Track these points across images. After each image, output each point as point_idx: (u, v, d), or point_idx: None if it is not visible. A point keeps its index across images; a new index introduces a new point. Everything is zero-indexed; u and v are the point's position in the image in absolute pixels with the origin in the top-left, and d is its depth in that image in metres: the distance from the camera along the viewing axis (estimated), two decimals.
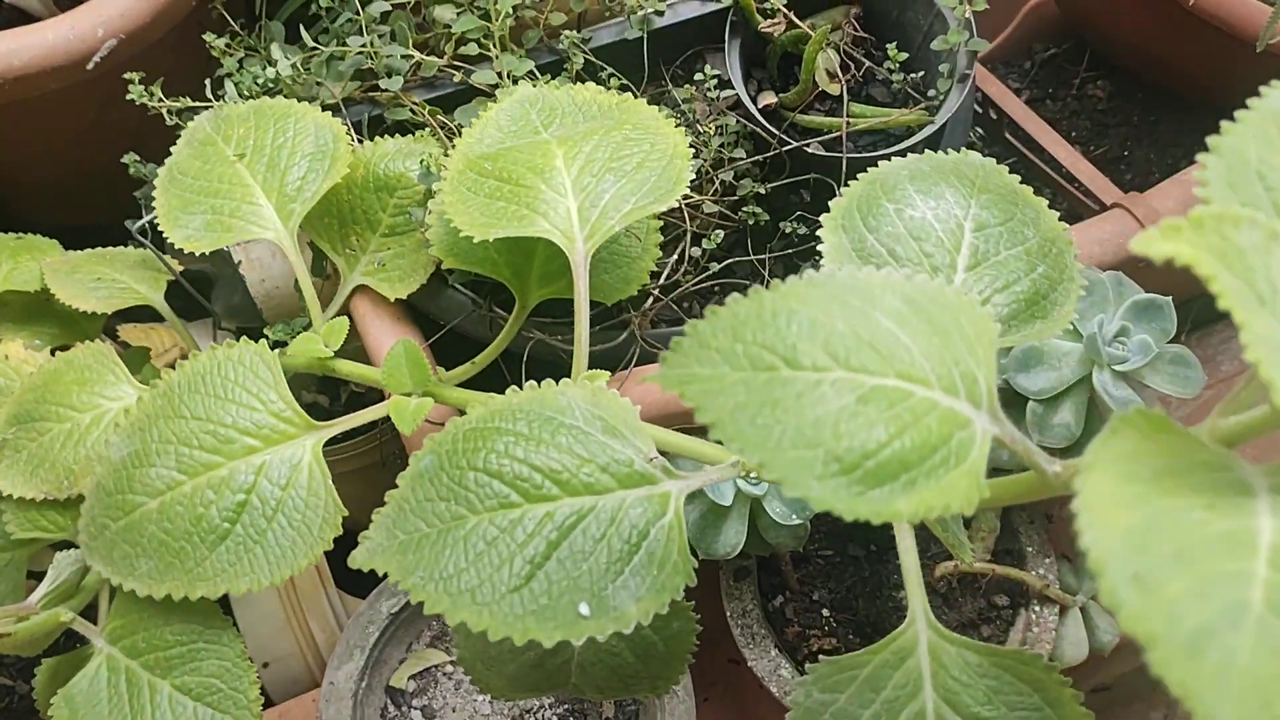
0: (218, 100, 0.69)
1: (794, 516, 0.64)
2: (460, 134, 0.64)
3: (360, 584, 0.83)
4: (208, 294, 0.85)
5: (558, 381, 0.47)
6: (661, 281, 0.67)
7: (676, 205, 0.68)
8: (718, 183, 0.70)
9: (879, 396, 0.32)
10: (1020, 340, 0.43)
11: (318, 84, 0.72)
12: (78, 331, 0.75)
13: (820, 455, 0.31)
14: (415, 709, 0.72)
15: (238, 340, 0.58)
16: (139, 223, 0.82)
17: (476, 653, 0.57)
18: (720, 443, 0.32)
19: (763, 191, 0.70)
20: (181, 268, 0.80)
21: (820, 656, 0.75)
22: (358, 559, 0.45)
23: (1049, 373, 0.59)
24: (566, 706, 0.72)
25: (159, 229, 0.82)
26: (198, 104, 0.70)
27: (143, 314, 0.81)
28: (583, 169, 0.58)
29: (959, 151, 0.50)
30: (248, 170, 0.65)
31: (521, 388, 0.48)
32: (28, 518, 0.63)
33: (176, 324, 0.73)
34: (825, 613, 0.76)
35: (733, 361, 0.34)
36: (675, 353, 0.34)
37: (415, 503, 0.45)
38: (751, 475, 0.62)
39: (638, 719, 0.72)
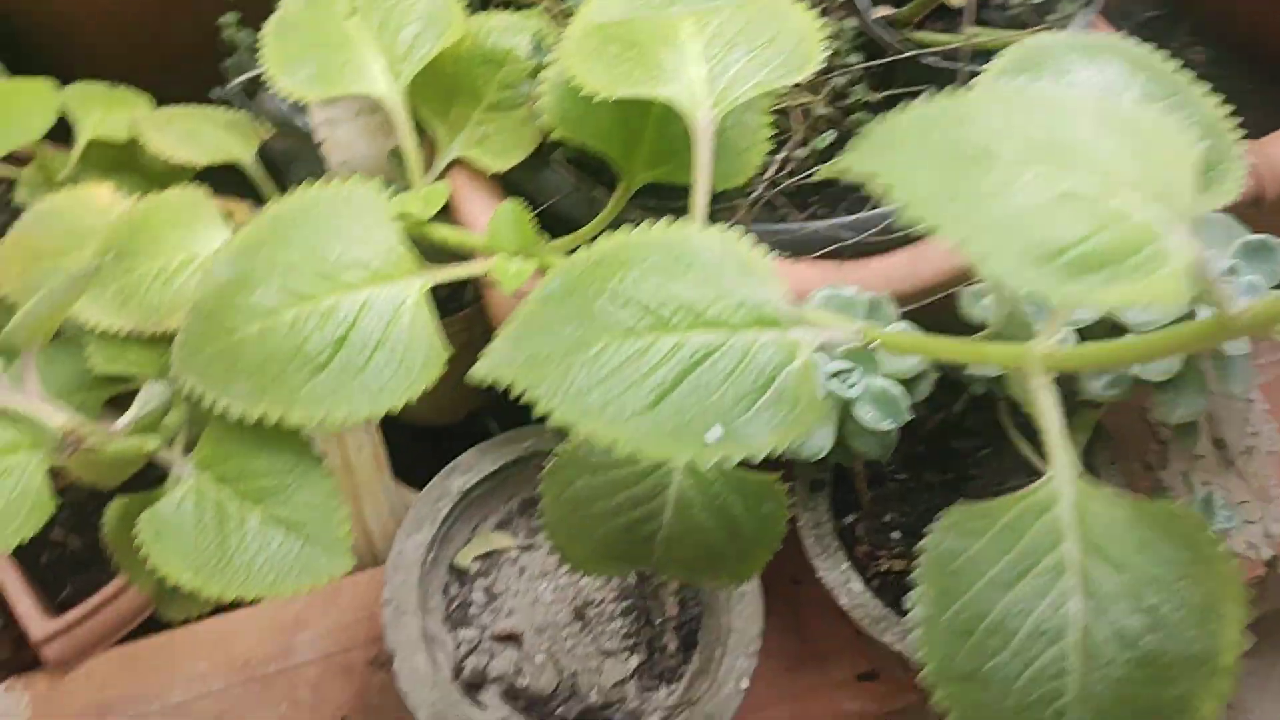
0: None
1: (886, 421, 0.63)
2: (569, 16, 0.64)
3: (414, 479, 0.83)
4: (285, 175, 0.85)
5: None
6: (767, 178, 0.66)
7: (787, 105, 0.68)
8: (830, 87, 0.69)
9: (1077, 197, 0.31)
10: None
11: None
12: (162, 186, 0.75)
13: (1020, 242, 0.31)
14: (477, 589, 0.71)
15: None
16: (230, 85, 0.81)
17: (564, 517, 0.57)
18: (919, 221, 0.31)
19: (874, 100, 0.69)
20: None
21: (889, 576, 0.75)
22: (479, 371, 0.44)
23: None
24: (630, 602, 0.72)
25: (249, 95, 0.82)
26: None
27: (223, 187, 0.80)
28: (711, 39, 0.57)
29: None
30: (359, 28, 0.64)
31: None
32: (111, 353, 0.62)
33: (265, 185, 0.72)
34: (895, 535, 0.75)
35: (926, 153, 0.33)
36: (865, 141, 0.34)
37: (542, 323, 0.45)
38: (843, 374, 0.61)
39: (700, 621, 0.71)
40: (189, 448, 0.57)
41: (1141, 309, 0.31)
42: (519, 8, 0.69)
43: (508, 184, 0.68)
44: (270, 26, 0.65)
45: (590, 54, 0.57)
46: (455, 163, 0.68)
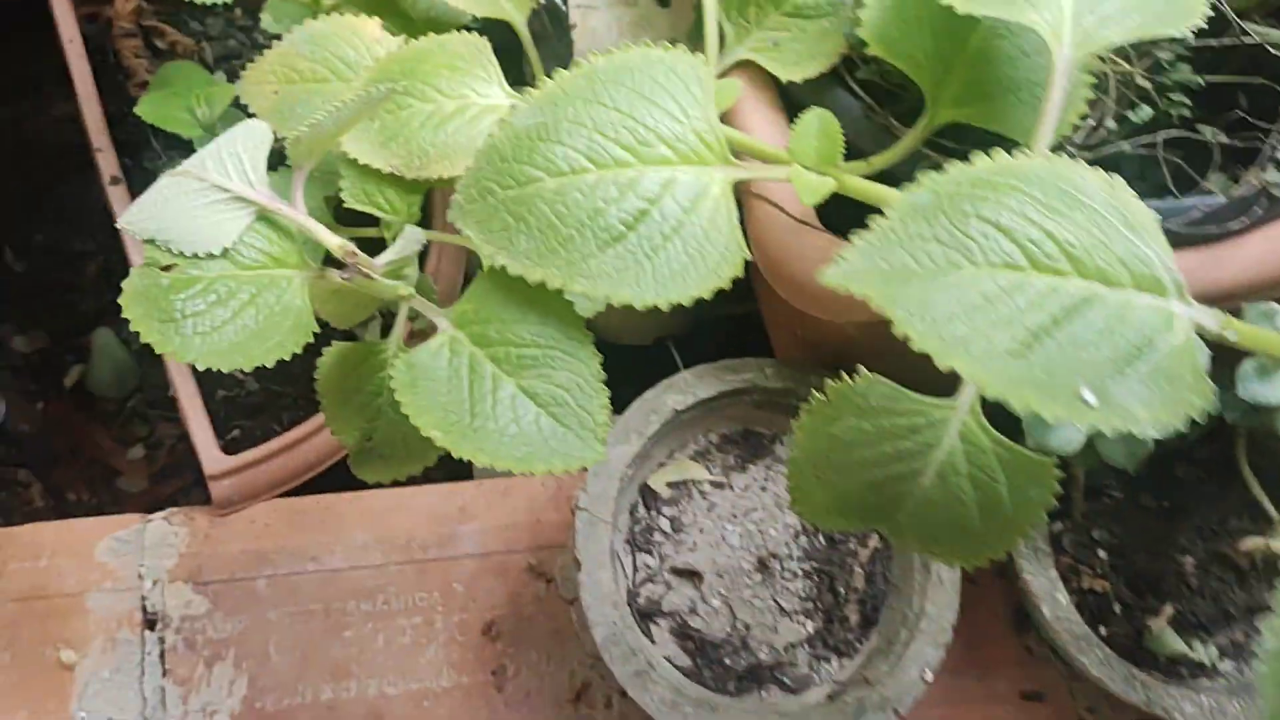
0: None
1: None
2: None
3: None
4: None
5: None
6: (1076, 143, 0.61)
7: (1104, 68, 0.62)
8: (1153, 59, 0.63)
9: None
10: None
11: None
12: (416, 36, 0.71)
13: None
14: (664, 515, 0.67)
15: None
16: None
17: (814, 457, 0.52)
18: None
19: (1194, 84, 0.63)
20: None
21: (1088, 595, 0.70)
22: (830, 275, 0.40)
23: None
24: (815, 564, 0.67)
25: None
26: None
27: None
28: None
29: None
30: None
31: None
32: (365, 190, 0.59)
33: (532, 53, 0.68)
34: (1102, 554, 0.70)
35: None
36: None
37: (905, 237, 0.40)
38: None
39: (885, 599, 0.67)
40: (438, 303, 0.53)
41: None
42: None
43: (791, 98, 0.64)
44: None
45: None
46: (740, 65, 0.64)
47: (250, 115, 0.64)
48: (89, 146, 0.76)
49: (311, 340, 0.48)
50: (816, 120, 0.55)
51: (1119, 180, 0.42)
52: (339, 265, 0.51)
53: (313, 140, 0.51)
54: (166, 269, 0.47)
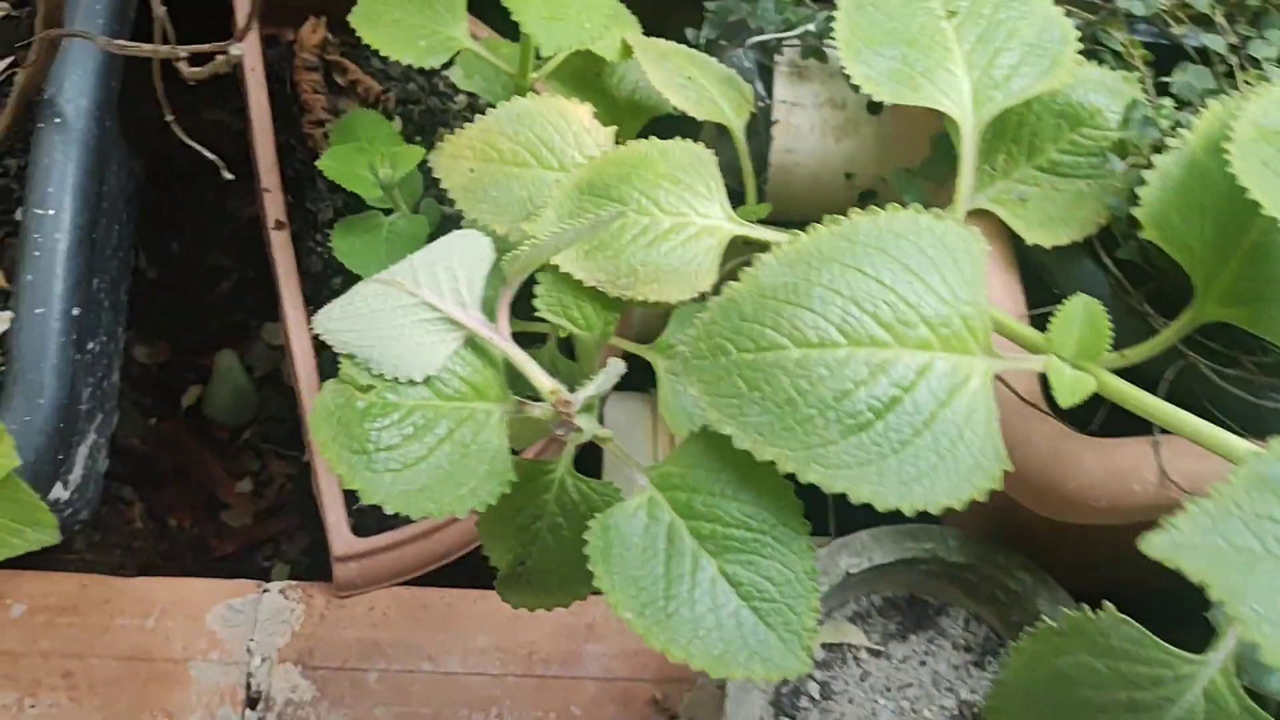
0: None
1: None
2: (1162, 95, 0.53)
3: None
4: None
5: None
6: None
7: None
8: None
9: None
10: None
11: None
12: (618, 121, 0.66)
13: None
14: (815, 680, 0.62)
15: None
16: (700, 35, 0.73)
17: (1031, 686, 0.47)
18: None
19: None
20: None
21: None
22: (1157, 547, 0.34)
23: None
24: None
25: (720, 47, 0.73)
26: None
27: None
28: None
29: None
30: (954, 33, 0.54)
31: None
32: (560, 300, 0.54)
33: (746, 163, 0.64)
34: None
35: None
36: None
37: (1250, 515, 0.35)
38: None
39: None
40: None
41: None
42: (1115, 66, 0.59)
43: (1030, 262, 0.58)
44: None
45: (1264, 165, 0.46)
46: (975, 213, 0.58)
47: (440, 188, 0.60)
48: (253, 173, 0.73)
49: (508, 490, 0.43)
50: (1083, 308, 0.49)
51: None
52: (535, 398, 0.46)
53: (532, 258, 0.46)
54: (365, 389, 0.42)
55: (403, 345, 0.43)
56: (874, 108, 0.75)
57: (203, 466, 0.87)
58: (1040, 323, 0.57)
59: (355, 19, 0.63)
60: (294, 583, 0.67)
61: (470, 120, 0.59)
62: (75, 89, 0.60)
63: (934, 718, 0.62)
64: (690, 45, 0.74)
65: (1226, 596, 0.33)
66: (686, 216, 0.55)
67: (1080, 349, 0.49)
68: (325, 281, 0.74)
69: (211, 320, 0.91)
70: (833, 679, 0.62)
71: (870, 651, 0.63)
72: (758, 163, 0.77)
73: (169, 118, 0.48)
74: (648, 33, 0.71)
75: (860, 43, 0.54)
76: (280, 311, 0.70)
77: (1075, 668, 0.45)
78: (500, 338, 0.45)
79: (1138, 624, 0.44)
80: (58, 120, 0.59)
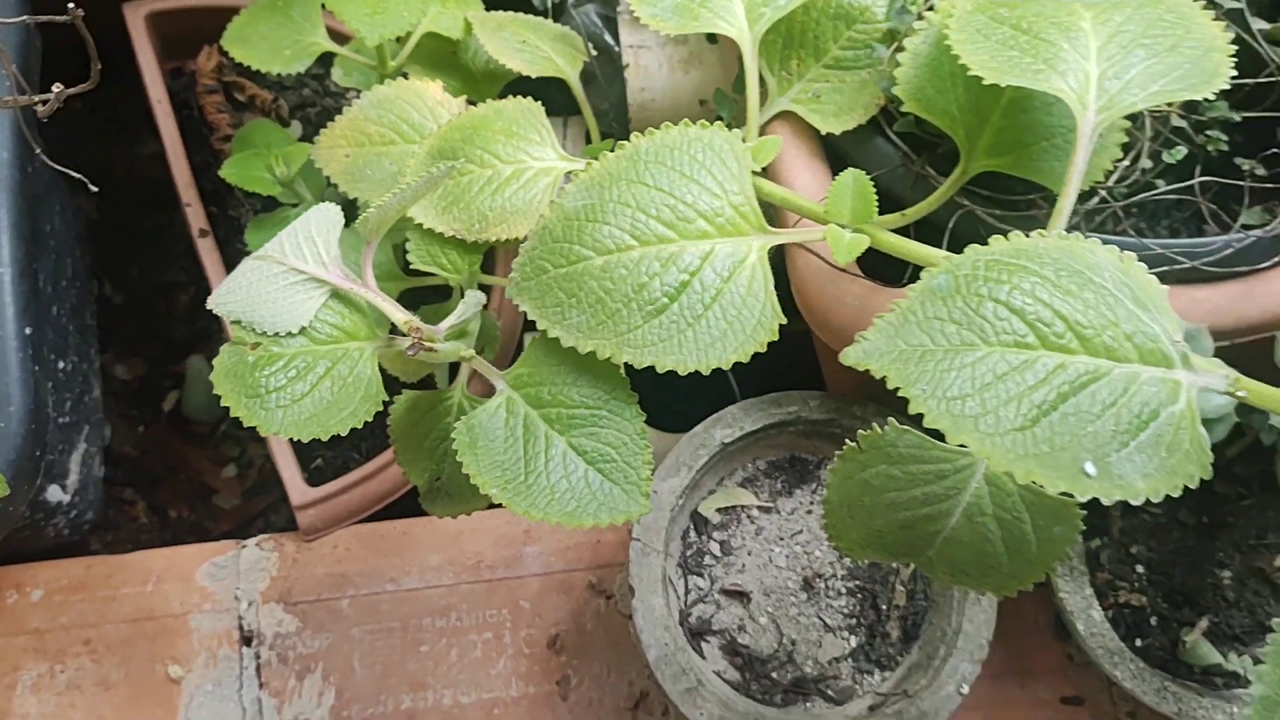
0: None
1: None
2: None
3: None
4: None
5: None
6: (1109, 185, 0.63)
7: (1142, 113, 0.64)
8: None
9: None
10: None
11: None
12: (477, 90, 0.76)
13: None
14: (714, 540, 0.71)
15: None
16: (547, 1, 0.81)
17: (848, 499, 0.56)
18: None
19: (1235, 119, 0.64)
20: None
21: (1125, 609, 0.72)
22: (851, 355, 0.43)
23: None
24: (859, 583, 0.71)
25: (560, 9, 0.82)
26: None
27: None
28: (1110, 37, 0.53)
29: None
30: None
31: None
32: (429, 252, 0.64)
33: (585, 106, 0.72)
34: (1140, 569, 0.73)
35: None
36: None
37: (923, 318, 0.43)
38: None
39: (925, 616, 0.70)
40: (496, 361, 0.58)
41: None
42: None
43: (832, 147, 0.67)
44: None
45: (977, 33, 0.54)
46: (781, 115, 0.67)
47: (325, 176, 0.70)
48: (178, 197, 0.82)
49: (381, 409, 0.53)
50: (851, 180, 0.58)
51: (1129, 256, 0.45)
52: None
53: (380, 218, 0.55)
54: (253, 347, 0.52)
55: (278, 305, 0.53)
56: (711, 38, 0.83)
57: (189, 461, 0.97)
58: None
59: (226, 41, 0.72)
60: (266, 535, 0.78)
61: None
62: None
63: (823, 555, 0.72)
64: (538, 11, 0.83)
65: (901, 383, 0.42)
66: (524, 163, 0.64)
67: (854, 214, 0.58)
68: None
69: (177, 331, 1.01)
70: (731, 537, 0.72)
71: (760, 509, 0.72)
72: (619, 104, 0.86)
73: (37, 149, 0.56)
74: (504, 6, 0.79)
75: None
76: None
77: (877, 476, 0.54)
78: (360, 287, 0.55)
79: (918, 431, 0.53)
80: None
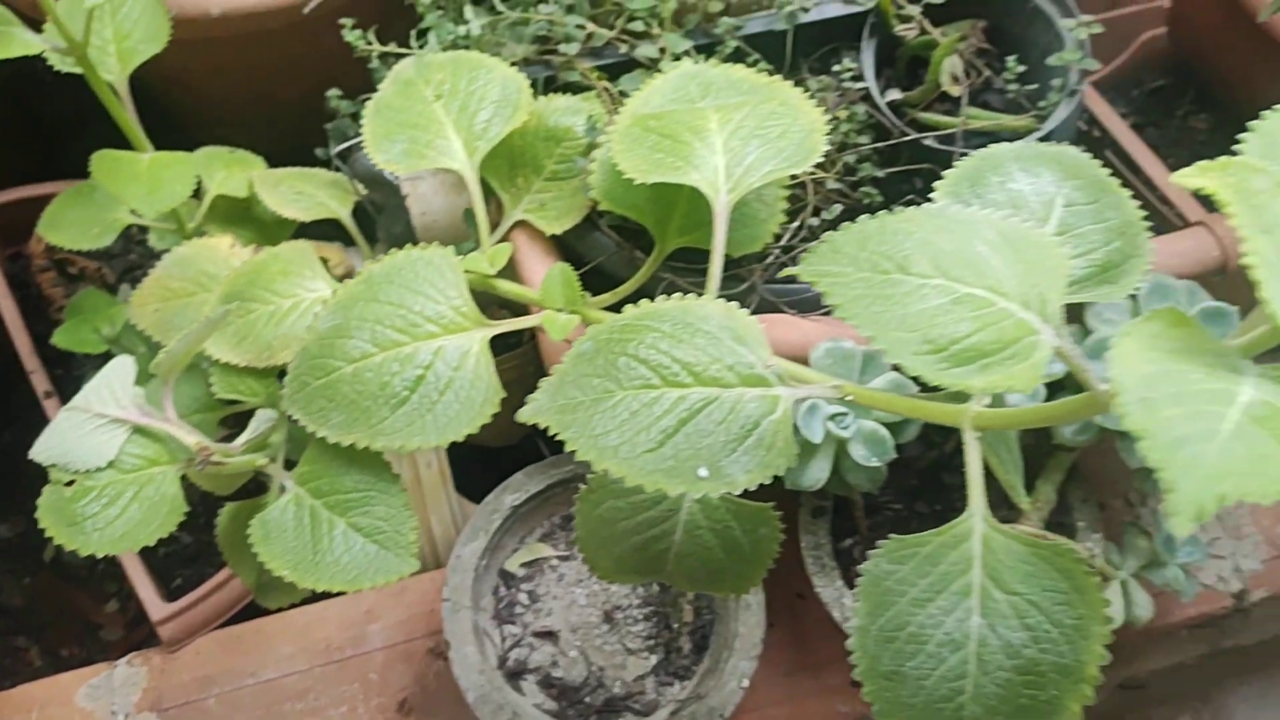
0: (420, 48, 0.81)
1: (873, 459, 0.73)
2: (621, 99, 0.75)
3: (473, 493, 0.95)
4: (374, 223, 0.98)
5: None
6: (782, 244, 0.76)
7: (803, 179, 0.78)
8: (841, 164, 0.79)
9: (968, 301, 0.42)
10: (1092, 297, 0.52)
11: (500, 44, 0.83)
12: (270, 237, 0.88)
13: (918, 338, 0.41)
14: (523, 590, 0.82)
15: None
16: (336, 149, 0.94)
17: (593, 533, 0.67)
18: (844, 319, 0.41)
19: (879, 176, 0.79)
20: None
21: None
22: (525, 414, 0.55)
23: None
24: (652, 608, 0.82)
25: (344, 158, 0.95)
26: (400, 50, 0.82)
27: (319, 233, 0.93)
28: (732, 133, 0.67)
29: None
30: (443, 110, 0.76)
31: None
32: (229, 382, 0.75)
33: (358, 237, 0.85)
34: None
35: (857, 264, 0.43)
36: (813, 254, 0.44)
37: (574, 377, 0.55)
38: (839, 416, 0.71)
39: (712, 628, 0.81)
40: (289, 465, 0.69)
41: (1011, 391, 0.40)
42: (577, 91, 0.81)
43: (562, 244, 0.80)
44: (370, 108, 0.77)
45: (633, 142, 0.68)
46: (518, 224, 0.80)
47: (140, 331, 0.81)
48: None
49: (184, 519, 0.63)
50: (559, 273, 0.71)
51: (733, 306, 0.58)
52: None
53: (170, 361, 0.67)
54: (68, 484, 0.63)
55: (86, 446, 0.63)
56: None
57: (74, 602, 1.06)
58: (588, 282, 0.78)
59: (42, 228, 0.83)
60: (136, 653, 0.87)
61: None
62: None
63: (618, 589, 0.83)
64: (321, 160, 0.96)
65: (559, 430, 0.54)
66: (300, 295, 0.76)
67: (566, 299, 0.70)
68: None
69: None
70: (537, 586, 0.83)
71: (559, 558, 0.84)
72: (407, 228, 0.98)
73: None
74: (290, 159, 0.92)
75: (380, 137, 0.75)
76: None
77: (609, 510, 0.66)
78: (158, 421, 0.66)
79: None
80: None
